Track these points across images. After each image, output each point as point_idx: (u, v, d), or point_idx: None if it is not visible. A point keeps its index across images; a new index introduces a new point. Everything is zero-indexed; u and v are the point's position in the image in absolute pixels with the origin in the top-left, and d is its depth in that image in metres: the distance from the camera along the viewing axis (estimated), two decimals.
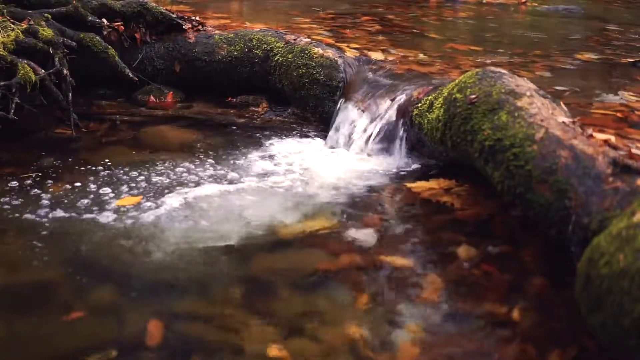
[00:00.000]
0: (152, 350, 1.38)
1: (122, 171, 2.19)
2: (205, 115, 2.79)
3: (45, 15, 2.67)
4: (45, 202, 1.96)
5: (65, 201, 1.97)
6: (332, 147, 2.47)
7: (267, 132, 2.62)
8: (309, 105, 2.70)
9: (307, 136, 2.58)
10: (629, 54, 3.38)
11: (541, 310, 1.51)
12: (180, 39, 2.94)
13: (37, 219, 1.87)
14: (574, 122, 1.73)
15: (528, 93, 1.86)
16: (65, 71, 2.51)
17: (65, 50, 2.56)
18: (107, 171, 2.19)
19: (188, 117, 2.77)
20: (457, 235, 1.83)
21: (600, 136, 1.66)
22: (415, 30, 3.88)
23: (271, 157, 2.37)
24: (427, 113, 2.18)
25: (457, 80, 2.07)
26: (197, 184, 2.12)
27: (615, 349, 1.20)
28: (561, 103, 1.90)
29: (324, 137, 2.54)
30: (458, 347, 1.40)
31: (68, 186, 2.07)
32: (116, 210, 1.92)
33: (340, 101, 2.58)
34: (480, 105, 1.88)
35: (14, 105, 2.31)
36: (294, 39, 2.84)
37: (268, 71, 2.84)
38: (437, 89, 2.25)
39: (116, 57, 2.74)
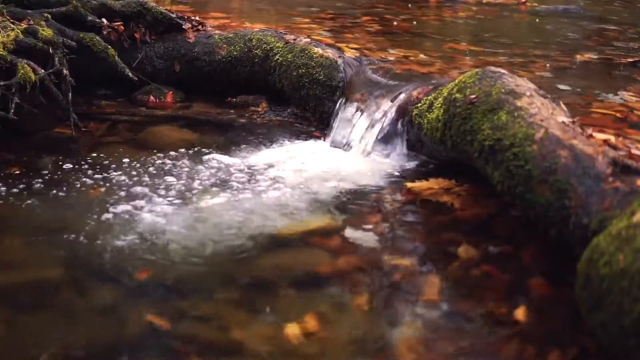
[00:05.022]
0: (151, 349, 1.38)
1: (121, 171, 2.19)
2: (205, 115, 2.79)
3: (45, 15, 2.66)
4: (45, 201, 1.96)
5: (65, 201, 1.97)
6: (331, 147, 2.46)
7: (267, 132, 2.62)
8: (309, 105, 2.70)
9: (307, 136, 2.58)
10: (629, 54, 3.38)
11: (541, 310, 1.51)
12: (180, 39, 2.93)
13: (37, 218, 1.87)
14: (573, 122, 1.73)
15: (528, 93, 1.86)
16: (65, 71, 2.50)
17: (65, 50, 2.56)
18: (107, 171, 2.19)
19: (188, 117, 2.77)
20: (457, 235, 1.83)
21: (600, 136, 1.66)
22: (415, 30, 3.88)
23: (271, 157, 2.37)
24: (427, 113, 2.18)
25: (457, 80, 2.07)
26: (197, 184, 2.11)
27: (615, 349, 1.20)
28: (561, 103, 1.90)
29: (324, 137, 2.54)
30: (458, 347, 1.40)
31: (68, 186, 2.07)
32: (116, 210, 1.92)
33: (340, 101, 2.58)
34: (480, 105, 1.88)
35: (13, 105, 2.31)
36: (294, 39, 2.84)
37: (268, 71, 2.84)
38: (437, 89, 2.25)
39: (116, 57, 2.74)
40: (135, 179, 2.14)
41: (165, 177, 2.16)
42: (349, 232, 1.86)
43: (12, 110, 2.30)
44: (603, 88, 2.64)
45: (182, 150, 2.38)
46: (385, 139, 2.37)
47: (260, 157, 2.37)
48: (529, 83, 1.98)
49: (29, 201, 1.97)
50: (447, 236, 1.84)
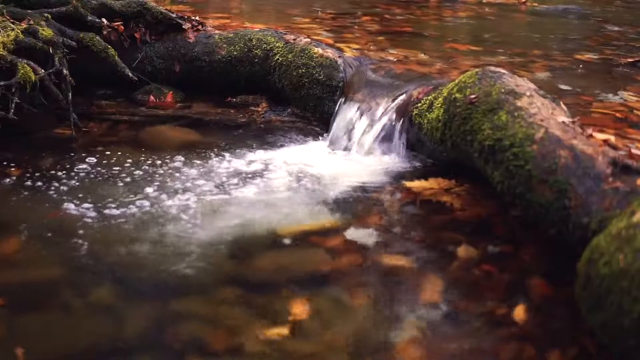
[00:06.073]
0: (151, 349, 1.38)
1: (121, 171, 2.19)
2: (205, 115, 2.79)
3: (45, 15, 2.66)
4: (45, 201, 1.96)
5: (65, 201, 1.97)
6: (331, 147, 2.47)
7: (267, 132, 2.62)
8: (309, 105, 2.70)
9: (307, 136, 2.58)
10: (629, 54, 3.38)
11: (541, 310, 1.51)
12: (180, 39, 2.93)
13: (37, 218, 1.87)
14: (573, 122, 1.73)
15: (528, 93, 1.86)
16: (65, 71, 2.51)
17: (65, 50, 2.56)
18: (107, 171, 2.19)
19: (188, 117, 2.77)
20: (457, 235, 1.83)
21: (600, 136, 1.66)
22: (415, 30, 3.88)
23: (271, 157, 2.37)
24: (427, 113, 2.18)
25: (456, 80, 2.07)
26: (197, 184, 2.11)
27: (615, 349, 1.20)
28: (561, 103, 1.90)
29: (324, 137, 2.54)
30: (458, 347, 1.40)
31: (68, 186, 2.07)
32: (116, 209, 1.92)
33: (340, 101, 2.58)
34: (480, 105, 1.88)
35: (13, 105, 2.31)
36: (294, 39, 2.84)
37: (268, 71, 2.84)
38: (437, 89, 2.25)
39: (116, 57, 2.74)
40: (135, 178, 2.14)
41: (165, 177, 2.16)
42: (349, 232, 1.86)
43: (12, 110, 2.30)
44: (603, 88, 2.64)
45: (183, 150, 2.38)
46: (385, 138, 2.37)
47: (260, 157, 2.37)
48: (529, 83, 1.98)
49: (28, 201, 1.97)
50: (447, 236, 1.84)
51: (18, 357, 1.34)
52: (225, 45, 2.89)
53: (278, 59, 2.80)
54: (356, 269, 1.70)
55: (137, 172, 2.19)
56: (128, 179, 2.13)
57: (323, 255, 1.75)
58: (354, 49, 3.00)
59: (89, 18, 2.77)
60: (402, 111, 2.35)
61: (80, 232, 1.80)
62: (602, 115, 2.29)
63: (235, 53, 2.88)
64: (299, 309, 1.51)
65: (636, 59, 3.19)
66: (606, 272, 1.21)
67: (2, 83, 2.31)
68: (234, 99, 2.90)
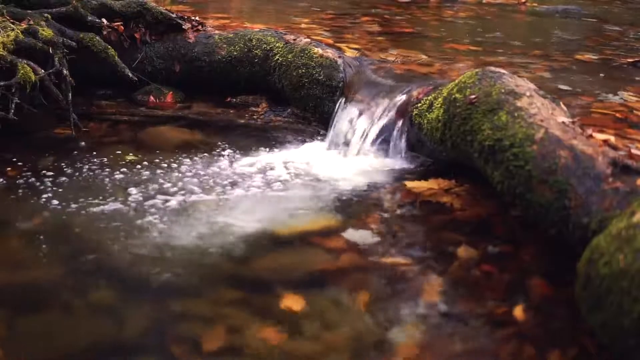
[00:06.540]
0: (151, 349, 1.38)
1: (121, 171, 2.19)
2: (204, 115, 2.79)
3: (45, 15, 2.66)
4: (44, 201, 1.96)
5: (65, 200, 1.97)
6: (331, 147, 2.46)
7: (267, 133, 2.62)
8: (309, 105, 2.70)
9: (307, 136, 2.58)
10: (629, 54, 3.38)
11: (541, 310, 1.51)
12: (180, 39, 2.93)
13: (37, 218, 1.87)
14: (573, 122, 1.73)
15: (528, 93, 1.86)
16: (65, 71, 2.51)
17: (65, 50, 2.56)
18: (107, 171, 2.19)
19: (188, 117, 2.77)
20: (457, 235, 1.83)
21: (600, 136, 1.66)
22: (415, 30, 3.88)
23: (271, 157, 2.37)
24: (426, 113, 2.18)
25: (456, 80, 2.07)
26: (197, 184, 2.11)
27: (615, 349, 1.20)
28: (561, 103, 1.90)
29: (324, 137, 2.54)
30: (458, 347, 1.40)
31: (67, 186, 2.07)
32: (115, 210, 1.92)
33: (340, 101, 2.58)
34: (480, 105, 1.88)
35: (13, 105, 2.31)
36: (294, 39, 2.84)
37: (268, 71, 2.84)
38: (437, 89, 2.25)
39: (116, 57, 2.74)
40: (135, 179, 2.14)
41: (165, 178, 2.16)
42: (349, 233, 1.86)
43: (12, 110, 2.30)
44: (603, 88, 2.64)
45: (182, 150, 2.38)
46: (385, 139, 2.37)
47: (260, 157, 2.37)
48: (529, 83, 1.98)
49: (28, 201, 1.97)
50: (447, 236, 1.84)
51: (19, 357, 1.34)
52: (225, 46, 2.89)
53: (278, 59, 2.80)
54: (356, 269, 1.70)
55: (136, 172, 2.19)
56: (128, 179, 2.13)
57: (323, 255, 1.75)
58: (354, 49, 3.00)
59: (89, 18, 2.77)
60: (402, 111, 2.35)
61: (80, 231, 1.80)
62: (602, 115, 2.29)
63: (235, 53, 2.88)
64: (299, 309, 1.51)
65: (636, 59, 3.19)
66: (606, 272, 1.21)
67: (2, 83, 2.31)
68: (234, 99, 2.90)
